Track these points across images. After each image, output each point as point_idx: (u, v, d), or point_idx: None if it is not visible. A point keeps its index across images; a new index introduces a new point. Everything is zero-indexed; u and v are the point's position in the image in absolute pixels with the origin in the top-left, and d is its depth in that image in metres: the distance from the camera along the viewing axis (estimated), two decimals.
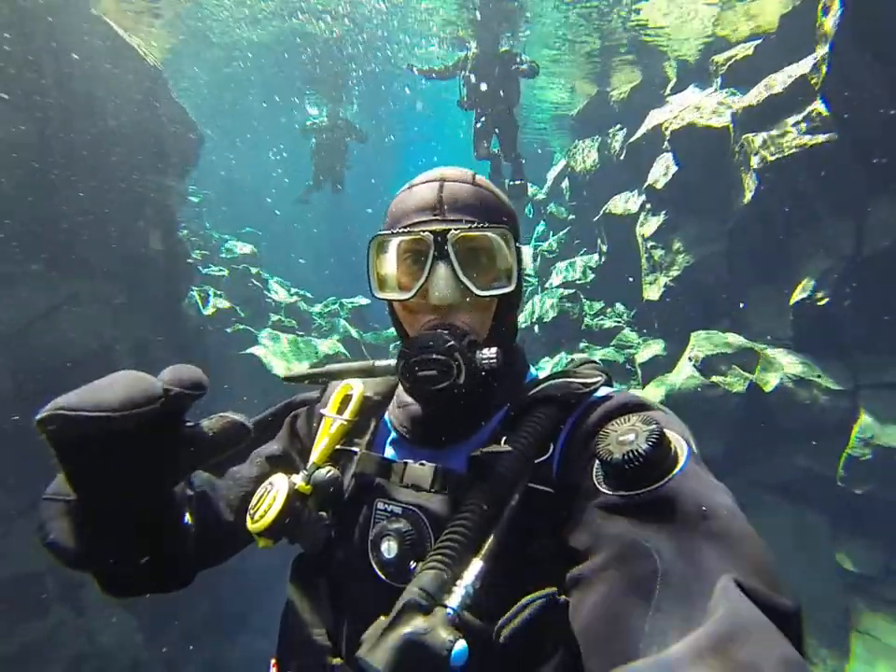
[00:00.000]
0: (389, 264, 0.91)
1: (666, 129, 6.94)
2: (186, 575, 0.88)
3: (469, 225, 0.85)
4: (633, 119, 8.79)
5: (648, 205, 7.89)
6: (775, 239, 5.81)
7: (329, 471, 0.90)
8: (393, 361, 0.90)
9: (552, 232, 12.82)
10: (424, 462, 0.86)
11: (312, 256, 20.00)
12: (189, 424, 0.70)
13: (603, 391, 0.86)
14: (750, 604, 0.48)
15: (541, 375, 0.98)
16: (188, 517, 0.83)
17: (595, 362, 1.03)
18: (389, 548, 0.79)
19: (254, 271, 11.41)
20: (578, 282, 10.30)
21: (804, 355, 5.51)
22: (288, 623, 0.92)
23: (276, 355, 9.78)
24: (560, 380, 0.86)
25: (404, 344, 0.85)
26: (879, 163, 4.74)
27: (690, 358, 5.93)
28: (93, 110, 5.82)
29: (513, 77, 7.22)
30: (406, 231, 0.86)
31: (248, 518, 0.85)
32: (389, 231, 0.88)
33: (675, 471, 0.65)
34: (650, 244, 7.52)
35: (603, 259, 9.84)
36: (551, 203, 13.21)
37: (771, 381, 5.41)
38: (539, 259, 12.39)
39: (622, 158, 8.87)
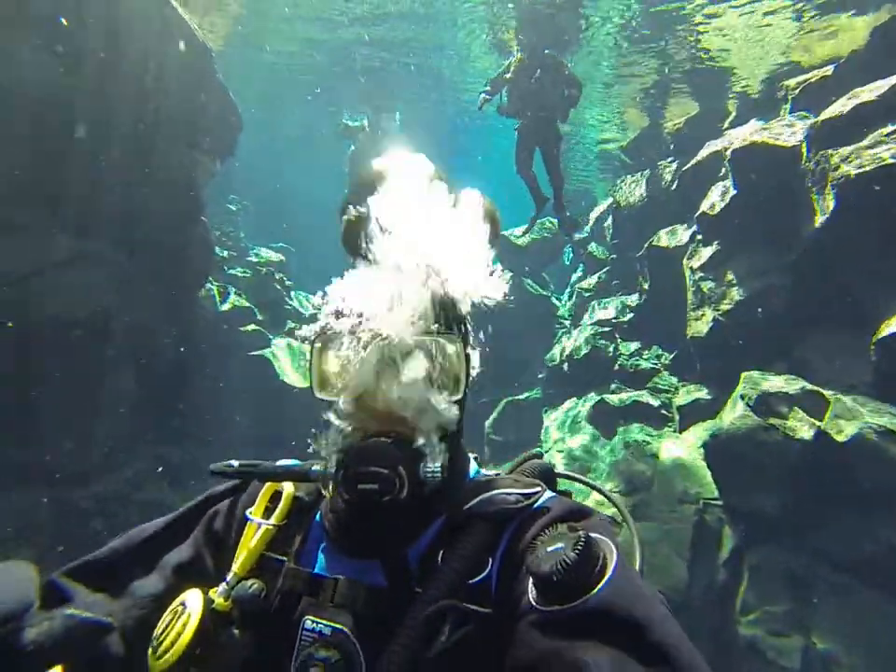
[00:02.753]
0: (333, 362, 0.87)
1: (727, 150, 6.40)
2: None
3: (420, 330, 0.81)
4: (686, 153, 8.31)
5: (698, 236, 7.26)
6: (850, 269, 5.08)
7: (252, 585, 0.83)
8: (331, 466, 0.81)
9: (589, 274, 12.30)
10: (356, 580, 0.81)
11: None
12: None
13: (541, 501, 0.84)
14: None
15: (483, 472, 0.99)
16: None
17: (538, 456, 1.03)
18: None
19: (278, 276, 11.12)
20: (614, 320, 9.63)
21: (888, 404, 4.63)
22: None
23: (287, 362, 9.32)
24: (497, 492, 0.83)
25: (345, 453, 0.79)
26: None
27: (742, 396, 5.12)
28: (134, 72, 5.67)
29: (558, 85, 6.87)
30: (351, 331, 0.82)
31: (150, 652, 0.75)
32: (333, 331, 0.84)
33: (605, 579, 0.64)
34: (698, 275, 6.85)
35: (643, 298, 9.17)
36: (591, 243, 12.75)
37: (847, 429, 4.53)
38: (574, 296, 11.85)
39: (672, 189, 8.35)
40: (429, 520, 0.85)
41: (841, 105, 5.21)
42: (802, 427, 4.70)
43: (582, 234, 13.34)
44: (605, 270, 11.48)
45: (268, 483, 0.95)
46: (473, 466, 1.00)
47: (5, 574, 0.64)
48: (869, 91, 5.06)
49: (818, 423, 4.70)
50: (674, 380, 7.96)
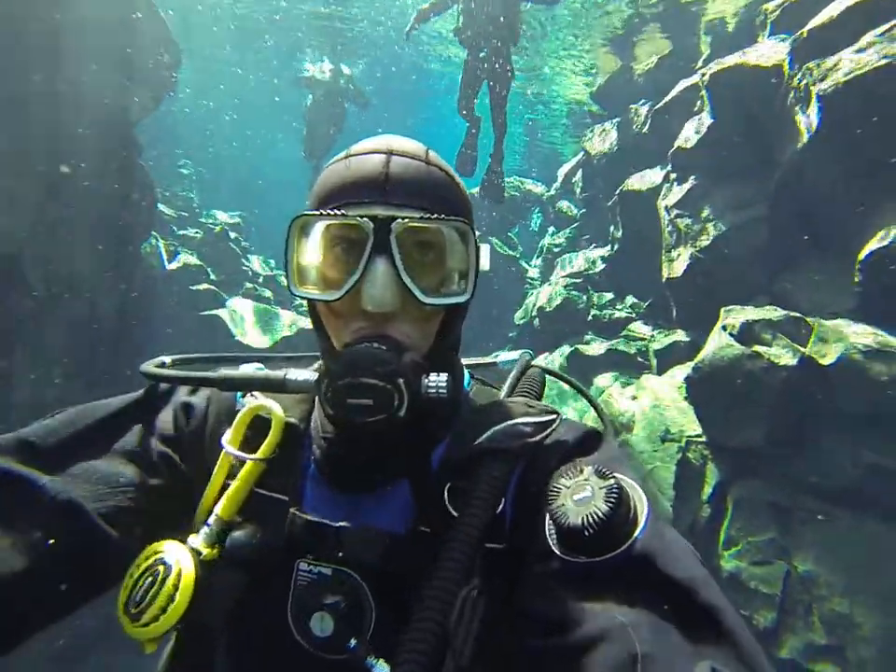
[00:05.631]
0: (313, 252, 0.71)
1: (704, 76, 6.07)
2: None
3: (421, 213, 0.66)
4: (660, 94, 7.98)
5: (673, 175, 6.97)
6: (833, 191, 4.84)
7: (247, 531, 0.71)
8: (311, 375, 0.70)
9: (559, 232, 12.01)
10: (366, 525, 0.70)
11: None
12: None
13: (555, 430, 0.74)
14: None
15: (468, 362, 0.93)
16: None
17: (538, 367, 0.91)
18: (323, 625, 0.66)
19: (233, 235, 10.41)
20: (586, 272, 9.39)
21: (874, 325, 4.43)
22: None
23: (243, 321, 8.73)
24: (512, 423, 0.71)
25: (330, 360, 0.69)
26: None
27: (724, 327, 4.88)
28: None
29: (516, 3, 6.34)
30: (339, 213, 0.66)
31: (126, 618, 0.64)
32: (317, 212, 0.67)
33: (637, 533, 0.58)
34: (674, 213, 6.56)
35: (615, 248, 8.91)
36: (560, 200, 12.43)
37: (831, 353, 4.33)
38: (544, 251, 11.60)
39: (644, 131, 8.02)
40: (432, 444, 0.75)
41: (830, 10, 4.87)
42: (786, 353, 4.48)
43: (549, 192, 13.03)
44: (574, 225, 11.21)
45: (247, 407, 0.77)
46: (465, 373, 0.89)
47: None
48: None
49: (802, 349, 4.50)
50: (649, 328, 7.77)
